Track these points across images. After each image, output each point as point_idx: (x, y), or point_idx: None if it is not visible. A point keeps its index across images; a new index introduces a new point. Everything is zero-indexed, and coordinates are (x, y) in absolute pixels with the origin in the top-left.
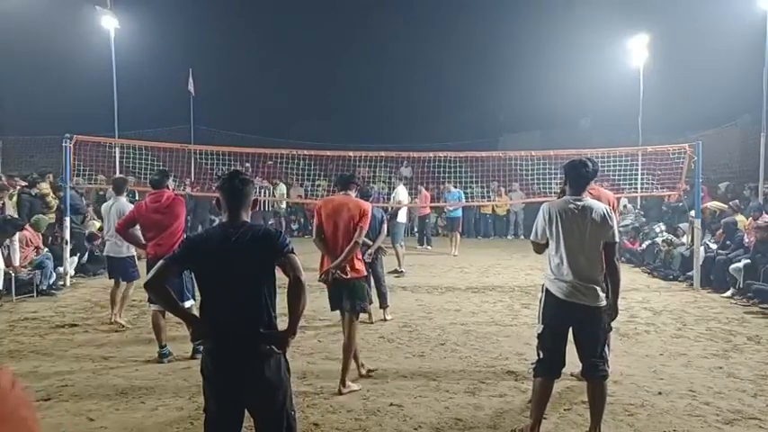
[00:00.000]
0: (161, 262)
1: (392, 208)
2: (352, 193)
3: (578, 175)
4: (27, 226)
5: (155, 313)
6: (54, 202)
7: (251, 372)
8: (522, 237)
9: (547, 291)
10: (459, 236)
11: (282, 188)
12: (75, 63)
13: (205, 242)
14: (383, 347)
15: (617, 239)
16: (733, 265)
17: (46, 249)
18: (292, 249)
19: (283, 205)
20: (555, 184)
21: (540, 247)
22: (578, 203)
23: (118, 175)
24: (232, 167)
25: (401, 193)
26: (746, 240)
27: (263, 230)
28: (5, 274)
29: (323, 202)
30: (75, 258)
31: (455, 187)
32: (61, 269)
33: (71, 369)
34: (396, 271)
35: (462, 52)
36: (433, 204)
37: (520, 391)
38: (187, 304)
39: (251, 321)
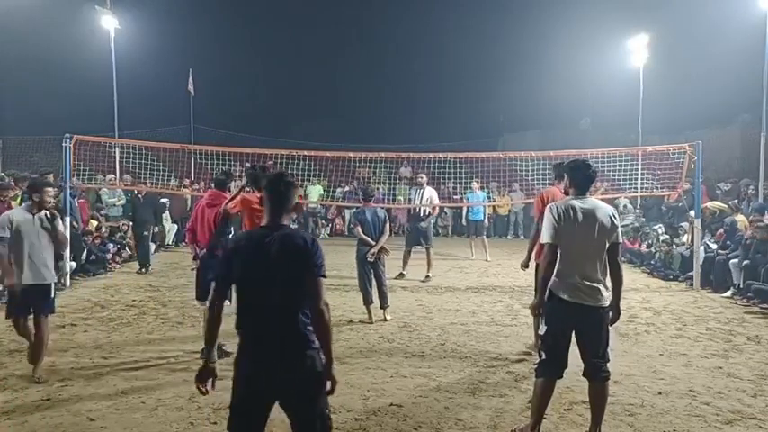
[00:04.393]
0: (215, 283)
1: (424, 211)
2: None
3: (584, 177)
4: None
5: (205, 311)
6: (52, 204)
7: (289, 372)
8: (522, 237)
9: (550, 291)
10: (486, 240)
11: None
12: (75, 63)
13: (242, 245)
14: (383, 347)
15: (620, 240)
16: (732, 261)
17: None
18: (324, 272)
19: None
20: (552, 185)
21: (554, 250)
22: (585, 204)
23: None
24: (232, 167)
25: (435, 196)
26: (745, 237)
27: (300, 238)
28: None
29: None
30: (74, 263)
31: (478, 188)
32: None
33: (71, 369)
34: (401, 274)
35: (462, 53)
36: (437, 204)
37: (520, 391)
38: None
39: (284, 323)
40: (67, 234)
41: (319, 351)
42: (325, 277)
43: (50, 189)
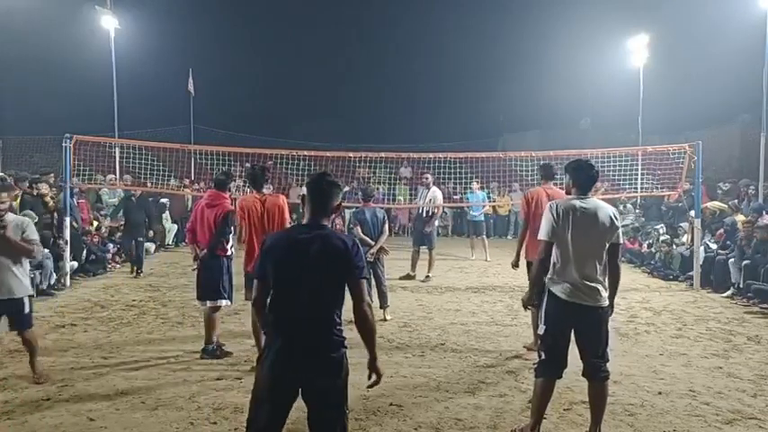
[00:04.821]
0: (255, 282)
1: (427, 212)
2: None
3: (587, 177)
4: None
5: (205, 311)
6: (51, 205)
7: (316, 370)
8: None
9: (549, 292)
10: (485, 240)
11: None
12: (75, 63)
13: (278, 244)
14: (383, 347)
15: (621, 240)
16: (731, 260)
17: (46, 250)
18: (365, 274)
19: None
20: (555, 185)
21: (549, 248)
22: (586, 204)
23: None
24: (232, 167)
25: (439, 196)
26: (740, 236)
27: (340, 240)
28: None
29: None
30: (74, 263)
31: (478, 188)
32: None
33: (71, 369)
34: (408, 275)
35: (462, 53)
36: (440, 205)
37: (520, 391)
38: (222, 303)
39: (317, 321)
40: (67, 235)
41: (346, 353)
42: (366, 279)
43: (2, 195)
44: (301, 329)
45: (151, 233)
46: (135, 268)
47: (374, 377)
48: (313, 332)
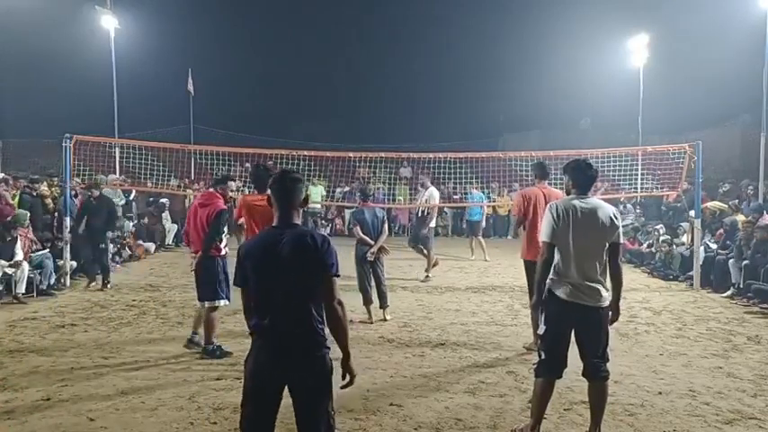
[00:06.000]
0: (241, 293)
1: (423, 212)
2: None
3: (586, 177)
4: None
5: (204, 311)
6: (52, 206)
7: (298, 370)
8: None
9: (549, 291)
10: (483, 240)
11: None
12: (75, 63)
13: (252, 250)
14: (383, 347)
15: (621, 240)
16: (731, 260)
17: (47, 250)
18: (336, 271)
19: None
20: (554, 185)
21: (551, 249)
22: (586, 204)
23: None
24: (232, 167)
25: (436, 195)
26: (740, 236)
27: (311, 237)
28: (5, 274)
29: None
30: (74, 263)
31: (475, 189)
32: (60, 262)
33: (71, 369)
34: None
35: (462, 53)
36: (435, 204)
37: (520, 391)
38: (221, 303)
39: (296, 321)
40: (67, 235)
41: (329, 352)
42: (338, 276)
43: None
44: (280, 330)
45: (110, 234)
46: (103, 280)
47: (348, 377)
48: (292, 332)
